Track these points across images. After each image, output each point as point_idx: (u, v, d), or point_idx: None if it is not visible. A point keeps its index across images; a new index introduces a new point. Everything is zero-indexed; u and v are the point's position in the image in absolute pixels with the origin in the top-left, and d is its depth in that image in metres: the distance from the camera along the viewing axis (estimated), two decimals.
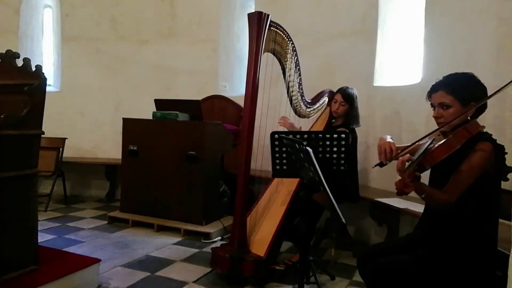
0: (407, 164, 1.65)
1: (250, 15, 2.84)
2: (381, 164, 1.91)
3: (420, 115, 3.22)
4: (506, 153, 1.75)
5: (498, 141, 1.75)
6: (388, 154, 1.91)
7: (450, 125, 1.78)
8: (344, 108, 3.20)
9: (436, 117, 1.83)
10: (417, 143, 1.88)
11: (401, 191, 1.66)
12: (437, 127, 1.84)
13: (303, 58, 3.18)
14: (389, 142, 1.96)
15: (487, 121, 2.68)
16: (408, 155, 1.72)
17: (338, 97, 3.22)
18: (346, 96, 3.18)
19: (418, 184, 1.66)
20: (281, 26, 2.96)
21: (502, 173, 1.74)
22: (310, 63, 3.80)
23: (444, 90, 1.79)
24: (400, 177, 1.67)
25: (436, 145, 1.69)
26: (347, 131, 2.59)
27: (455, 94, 1.76)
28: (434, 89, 1.84)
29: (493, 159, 1.70)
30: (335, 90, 3.33)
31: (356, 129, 3.23)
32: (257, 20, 2.78)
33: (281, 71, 3.11)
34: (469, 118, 1.79)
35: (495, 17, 2.79)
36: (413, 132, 3.42)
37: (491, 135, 1.77)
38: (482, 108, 1.82)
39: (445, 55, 3.15)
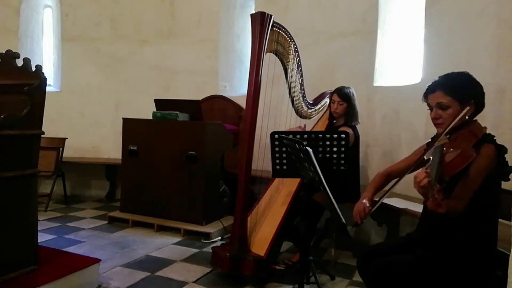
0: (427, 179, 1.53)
1: (253, 16, 2.83)
2: (355, 224, 1.98)
3: (420, 115, 3.22)
4: (506, 152, 1.74)
5: (498, 142, 1.75)
6: (362, 214, 1.94)
7: (448, 125, 1.74)
8: (343, 107, 3.21)
9: (434, 118, 1.82)
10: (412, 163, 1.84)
11: (435, 211, 1.54)
12: (434, 128, 1.84)
13: (303, 58, 3.18)
14: (363, 203, 1.97)
15: (487, 121, 2.69)
16: (422, 170, 1.59)
17: (335, 97, 3.23)
18: (343, 95, 3.20)
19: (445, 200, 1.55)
20: (283, 27, 2.96)
21: (504, 173, 1.73)
22: (310, 63, 3.80)
23: (441, 90, 1.78)
24: (420, 193, 1.58)
25: (451, 154, 1.61)
26: (348, 131, 2.59)
27: (453, 94, 1.75)
28: (431, 90, 1.82)
29: (496, 160, 1.69)
30: None
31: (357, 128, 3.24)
32: (260, 21, 2.78)
33: (282, 72, 3.11)
34: (467, 117, 1.76)
35: (495, 17, 2.79)
36: (413, 132, 3.43)
37: (493, 136, 1.76)
38: (480, 108, 1.81)
39: (445, 55, 3.15)
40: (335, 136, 2.49)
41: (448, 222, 1.76)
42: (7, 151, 2.15)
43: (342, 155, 2.49)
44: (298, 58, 3.10)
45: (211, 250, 2.93)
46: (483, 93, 1.78)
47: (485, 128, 1.76)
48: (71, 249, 3.21)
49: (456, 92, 1.75)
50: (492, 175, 1.69)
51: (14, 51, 2.40)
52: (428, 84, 1.87)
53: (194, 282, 2.78)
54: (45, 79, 2.33)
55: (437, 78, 1.86)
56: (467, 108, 1.70)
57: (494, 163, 1.68)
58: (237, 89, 5.22)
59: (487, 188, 1.69)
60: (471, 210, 1.71)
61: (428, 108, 1.87)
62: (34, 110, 2.25)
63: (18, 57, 2.40)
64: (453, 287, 1.73)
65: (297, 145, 2.15)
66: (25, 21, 5.39)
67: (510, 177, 1.76)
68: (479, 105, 1.79)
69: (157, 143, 4.07)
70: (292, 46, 3.04)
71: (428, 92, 1.84)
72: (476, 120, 1.80)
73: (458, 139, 1.71)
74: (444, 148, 1.63)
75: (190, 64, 5.23)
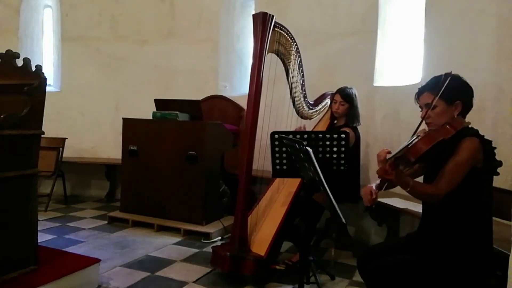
0: (388, 156, 1.72)
1: (254, 16, 2.83)
2: (367, 208, 1.98)
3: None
4: (495, 147, 1.78)
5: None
6: (370, 197, 1.87)
7: (437, 124, 1.84)
8: (344, 108, 3.21)
9: (423, 118, 1.89)
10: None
11: (382, 177, 1.72)
12: (427, 128, 1.90)
13: (303, 58, 3.18)
14: (369, 186, 1.92)
15: (487, 121, 2.70)
16: (387, 149, 1.78)
17: (337, 97, 3.23)
18: (345, 96, 3.20)
19: (400, 175, 1.71)
20: (285, 27, 2.96)
21: (491, 168, 1.76)
22: (310, 63, 3.79)
23: (429, 91, 1.87)
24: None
25: (419, 138, 1.74)
26: (348, 131, 2.59)
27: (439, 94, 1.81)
28: (420, 92, 1.92)
29: (481, 154, 1.73)
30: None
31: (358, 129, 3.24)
32: (261, 21, 2.78)
33: (283, 72, 3.11)
34: (455, 116, 1.84)
35: (495, 17, 2.79)
36: (412, 132, 3.42)
37: (477, 130, 1.82)
38: (468, 108, 1.87)
39: (445, 55, 3.15)
40: (335, 136, 2.49)
41: (443, 220, 1.78)
42: (7, 151, 2.15)
43: (342, 155, 2.49)
44: (299, 58, 3.10)
45: (211, 250, 2.93)
46: (472, 94, 1.86)
47: (469, 123, 1.84)
48: (71, 249, 3.21)
49: (442, 92, 1.80)
50: (481, 170, 1.73)
51: (14, 51, 2.40)
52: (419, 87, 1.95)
53: (194, 282, 2.78)
54: (45, 79, 2.32)
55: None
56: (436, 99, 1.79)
57: (479, 156, 1.73)
58: (237, 89, 5.21)
59: (475, 182, 1.73)
60: (464, 206, 1.73)
61: (420, 109, 1.95)
62: (34, 110, 2.25)
63: (18, 57, 2.40)
64: (453, 287, 1.74)
65: (297, 145, 2.15)
66: (25, 21, 5.39)
67: (500, 171, 1.78)
68: (467, 105, 1.86)
69: (157, 143, 4.07)
70: (293, 46, 3.04)
71: (418, 94, 1.94)
72: (460, 116, 1.85)
73: (436, 129, 1.82)
74: (419, 137, 1.75)
75: (190, 64, 5.23)
